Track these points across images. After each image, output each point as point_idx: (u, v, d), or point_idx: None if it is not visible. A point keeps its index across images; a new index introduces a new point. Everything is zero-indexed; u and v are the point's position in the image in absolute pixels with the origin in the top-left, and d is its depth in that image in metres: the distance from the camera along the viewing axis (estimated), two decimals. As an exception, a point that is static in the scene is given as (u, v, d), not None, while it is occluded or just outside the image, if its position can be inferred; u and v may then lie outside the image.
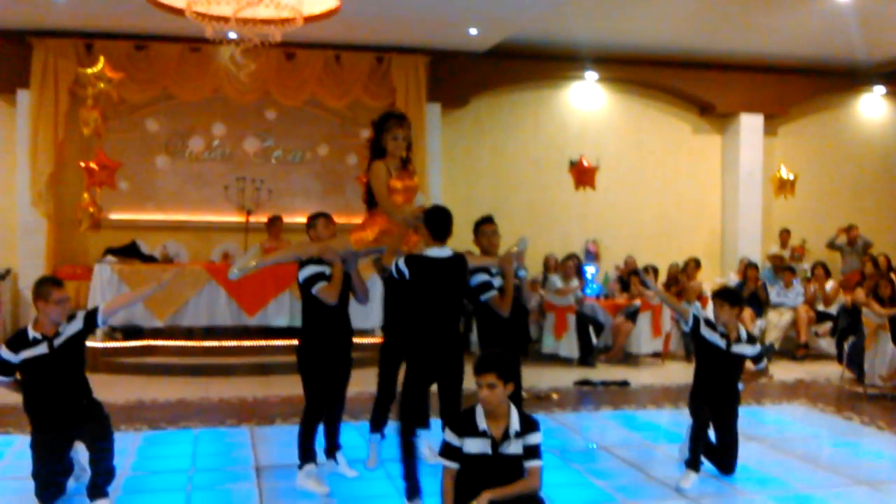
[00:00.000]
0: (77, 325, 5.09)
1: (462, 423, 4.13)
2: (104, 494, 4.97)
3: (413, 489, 4.91)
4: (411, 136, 5.98)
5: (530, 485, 4.08)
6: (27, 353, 4.96)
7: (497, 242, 5.91)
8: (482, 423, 4.08)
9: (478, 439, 4.07)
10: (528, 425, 4.15)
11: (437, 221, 5.08)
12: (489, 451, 4.07)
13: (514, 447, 4.09)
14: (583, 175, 12.66)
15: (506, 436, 4.08)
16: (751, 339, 5.93)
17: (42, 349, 4.96)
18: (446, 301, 5.10)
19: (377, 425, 6.05)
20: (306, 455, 5.57)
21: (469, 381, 5.08)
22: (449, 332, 5.12)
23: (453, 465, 4.10)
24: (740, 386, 5.99)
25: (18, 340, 5.01)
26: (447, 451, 4.13)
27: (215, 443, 6.78)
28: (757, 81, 13.69)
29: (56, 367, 5.00)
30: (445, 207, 5.25)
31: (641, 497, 5.51)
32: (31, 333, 4.98)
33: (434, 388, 5.14)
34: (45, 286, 5.01)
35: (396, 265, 5.09)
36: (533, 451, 4.11)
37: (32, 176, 10.97)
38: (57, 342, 4.99)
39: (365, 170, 5.99)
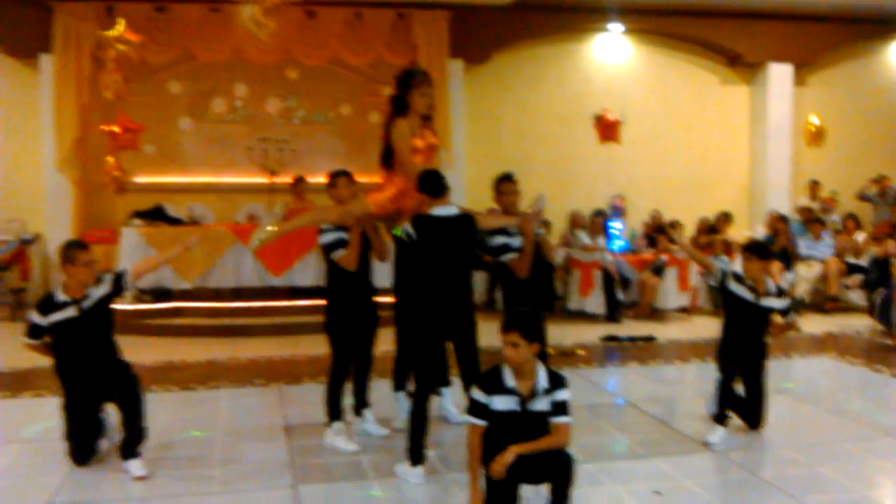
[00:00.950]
0: (105, 287, 5.14)
1: (490, 380, 4.13)
2: (137, 454, 5.04)
3: (418, 453, 4.92)
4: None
5: (559, 440, 4.08)
6: (56, 317, 5.02)
7: (517, 201, 5.86)
8: (510, 381, 4.08)
9: (506, 396, 4.07)
10: (556, 382, 4.14)
11: (430, 181, 5.12)
12: (517, 408, 4.07)
13: (541, 404, 4.08)
14: (607, 129, 12.54)
15: (533, 393, 4.07)
16: (779, 293, 5.86)
17: (71, 312, 5.01)
18: (455, 259, 5.12)
19: (400, 383, 6.08)
20: (334, 413, 5.63)
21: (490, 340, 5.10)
22: (460, 290, 5.14)
23: (480, 423, 4.11)
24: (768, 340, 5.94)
25: (47, 304, 5.07)
26: (475, 408, 4.13)
27: (245, 402, 6.86)
28: (786, 30, 13.39)
29: (85, 329, 5.06)
30: (433, 168, 5.33)
31: (669, 452, 5.51)
32: (60, 297, 5.04)
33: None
34: (72, 250, 5.05)
35: (405, 230, 5.12)
36: (561, 408, 4.11)
37: (58, 141, 11.02)
38: (85, 305, 5.04)
39: (383, 125, 5.89)
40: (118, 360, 5.24)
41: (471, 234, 5.23)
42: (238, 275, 10.23)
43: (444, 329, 5.11)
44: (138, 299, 10.14)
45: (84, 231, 11.01)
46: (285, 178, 11.37)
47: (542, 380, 4.11)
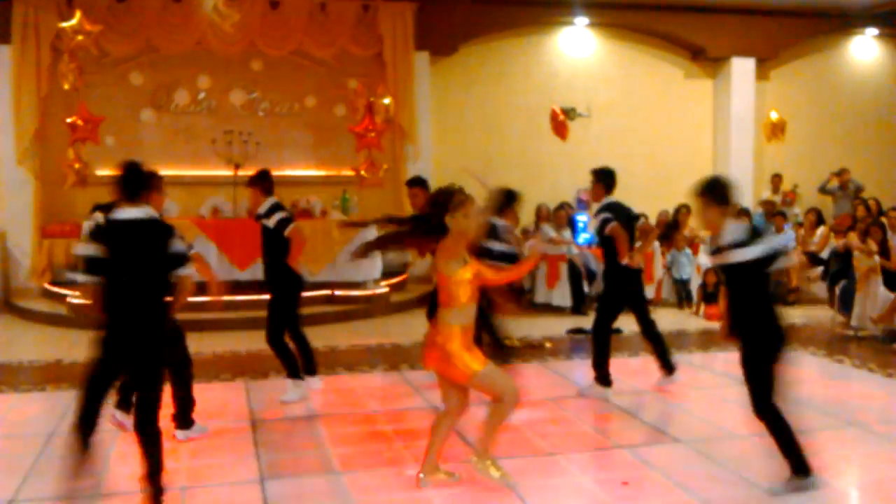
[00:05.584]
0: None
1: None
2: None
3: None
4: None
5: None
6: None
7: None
8: None
9: None
10: None
11: (125, 177, 4.46)
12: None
13: None
14: (559, 127, 12.44)
15: None
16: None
17: None
18: (136, 272, 4.27)
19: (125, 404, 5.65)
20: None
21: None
22: (140, 310, 4.28)
23: None
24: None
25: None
26: None
27: (210, 397, 6.78)
28: (749, 24, 13.54)
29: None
30: (135, 161, 4.61)
31: (635, 442, 5.55)
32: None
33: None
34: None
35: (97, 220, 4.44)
36: None
37: (17, 133, 10.82)
38: None
39: None
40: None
41: (161, 242, 4.39)
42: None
43: (119, 355, 4.32)
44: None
45: (45, 225, 10.84)
46: (250, 171, 11.19)
47: None
